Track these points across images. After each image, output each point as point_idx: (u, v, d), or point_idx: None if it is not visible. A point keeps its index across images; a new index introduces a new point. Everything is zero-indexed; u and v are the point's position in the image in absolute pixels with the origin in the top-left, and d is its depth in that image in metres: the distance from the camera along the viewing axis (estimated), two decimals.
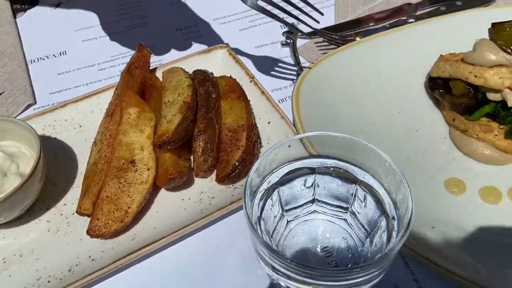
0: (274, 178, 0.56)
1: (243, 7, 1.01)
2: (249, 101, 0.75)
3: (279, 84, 0.87)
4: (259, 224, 0.52)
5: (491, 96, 0.67)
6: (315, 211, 0.61)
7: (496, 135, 0.69)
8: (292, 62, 0.91)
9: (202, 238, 0.64)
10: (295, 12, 0.76)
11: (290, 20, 0.99)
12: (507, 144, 0.68)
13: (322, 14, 0.77)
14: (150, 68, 0.83)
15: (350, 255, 0.57)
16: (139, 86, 0.75)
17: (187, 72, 0.78)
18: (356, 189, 0.56)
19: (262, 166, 0.52)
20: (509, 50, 0.66)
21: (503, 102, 0.67)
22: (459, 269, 0.55)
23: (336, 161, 0.57)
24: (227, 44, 0.86)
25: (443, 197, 0.66)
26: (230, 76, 0.79)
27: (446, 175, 0.68)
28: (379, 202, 0.54)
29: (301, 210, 0.60)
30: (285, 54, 0.93)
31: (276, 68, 0.90)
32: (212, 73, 0.79)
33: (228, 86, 0.76)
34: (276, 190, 0.57)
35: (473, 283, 0.54)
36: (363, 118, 0.76)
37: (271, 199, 0.56)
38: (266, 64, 0.90)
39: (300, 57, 0.91)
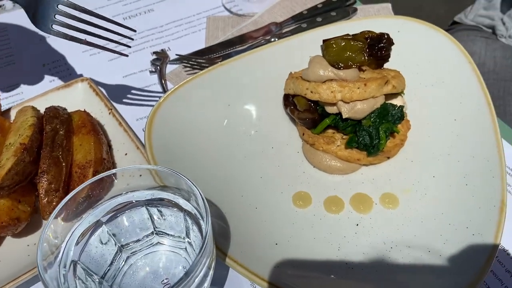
0: (98, 214, 0.55)
1: (113, 36, 1.01)
2: (100, 134, 0.74)
3: (145, 112, 0.86)
4: (74, 270, 0.50)
5: (329, 109, 0.70)
6: (159, 242, 0.60)
7: (338, 145, 0.71)
8: (160, 89, 0.91)
9: None
10: (105, 33, 0.72)
11: (158, 47, 1.01)
12: (348, 154, 0.70)
13: (135, 31, 0.76)
14: (5, 108, 0.80)
15: None
16: None
17: (37, 110, 0.76)
18: (186, 219, 0.56)
19: (71, 204, 0.51)
20: (336, 65, 0.69)
21: (341, 114, 0.70)
22: (294, 285, 0.56)
23: (167, 192, 0.57)
24: (88, 76, 0.85)
25: (290, 212, 0.67)
26: (84, 110, 0.78)
27: (295, 189, 0.70)
28: (201, 230, 0.54)
29: (143, 243, 0.60)
30: (154, 81, 0.93)
31: (142, 97, 0.89)
32: (65, 108, 0.77)
33: (81, 121, 0.75)
34: (104, 227, 0.56)
35: None
36: (221, 140, 0.76)
37: (99, 236, 0.55)
38: (133, 93, 0.90)
39: (169, 83, 0.92)
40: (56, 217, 0.49)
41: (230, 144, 0.76)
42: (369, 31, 0.71)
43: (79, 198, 0.51)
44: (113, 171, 0.54)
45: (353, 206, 0.67)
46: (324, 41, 0.71)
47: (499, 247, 0.64)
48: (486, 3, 1.34)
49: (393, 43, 0.73)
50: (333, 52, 0.69)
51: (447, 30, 1.40)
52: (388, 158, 0.72)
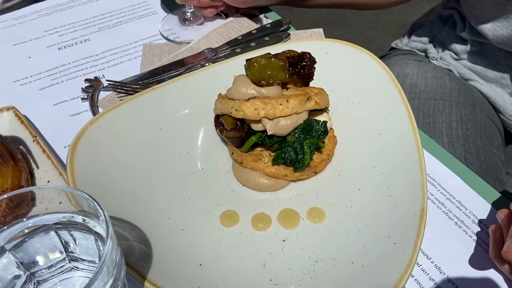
0: (1, 241, 0.52)
1: (46, 66, 1.00)
2: (20, 162, 0.72)
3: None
4: None
5: (255, 126, 0.70)
6: (73, 268, 0.57)
7: (265, 162, 0.72)
8: (92, 116, 0.89)
9: None
10: None
11: (92, 75, 1.00)
12: (275, 170, 0.71)
13: None
14: None
15: None
16: None
17: None
18: (97, 242, 0.54)
19: None
20: (259, 83, 0.70)
21: (267, 131, 0.70)
22: None
23: (76, 214, 0.55)
24: (17, 105, 0.82)
25: (216, 231, 0.66)
26: (4, 139, 0.75)
27: (223, 209, 0.69)
28: None
29: (55, 270, 0.56)
30: (86, 108, 0.91)
31: (71, 124, 0.87)
32: None
33: None
34: (9, 254, 0.52)
35: None
36: (150, 163, 0.75)
37: (4, 264, 0.52)
38: (62, 121, 0.88)
39: (101, 109, 0.90)
40: None
41: (159, 166, 0.75)
42: (290, 50, 0.73)
43: None
44: (17, 191, 0.51)
45: (280, 222, 0.67)
46: (246, 60, 0.72)
47: (422, 253, 0.64)
48: (418, 29, 1.42)
49: (315, 62, 0.75)
50: (255, 71, 0.70)
51: (384, 56, 1.47)
52: (316, 173, 0.73)
